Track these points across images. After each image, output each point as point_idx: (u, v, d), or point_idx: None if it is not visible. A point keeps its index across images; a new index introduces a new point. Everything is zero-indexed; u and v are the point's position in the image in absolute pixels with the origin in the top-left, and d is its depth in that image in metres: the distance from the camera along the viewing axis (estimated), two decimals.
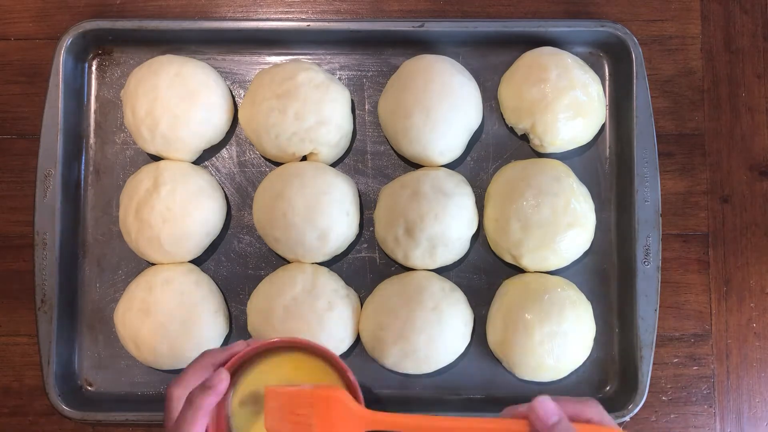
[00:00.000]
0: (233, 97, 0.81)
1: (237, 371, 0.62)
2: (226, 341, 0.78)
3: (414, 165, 0.79)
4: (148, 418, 0.75)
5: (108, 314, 0.78)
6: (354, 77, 0.81)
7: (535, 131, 0.77)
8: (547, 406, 0.51)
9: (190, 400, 0.58)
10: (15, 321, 0.79)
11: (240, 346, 0.62)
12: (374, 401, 0.77)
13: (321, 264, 0.77)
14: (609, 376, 0.78)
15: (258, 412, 0.62)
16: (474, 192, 0.78)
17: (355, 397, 0.60)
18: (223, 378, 0.59)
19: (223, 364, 0.61)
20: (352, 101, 0.80)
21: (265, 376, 0.63)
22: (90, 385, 0.78)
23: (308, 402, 0.58)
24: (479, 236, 0.79)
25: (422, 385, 0.78)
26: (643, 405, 0.75)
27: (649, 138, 0.77)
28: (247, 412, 0.63)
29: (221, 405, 0.61)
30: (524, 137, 0.80)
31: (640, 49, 0.78)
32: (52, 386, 0.75)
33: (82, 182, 0.80)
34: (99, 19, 0.79)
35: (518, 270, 0.78)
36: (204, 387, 0.58)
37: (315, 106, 0.75)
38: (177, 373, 0.77)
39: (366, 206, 0.79)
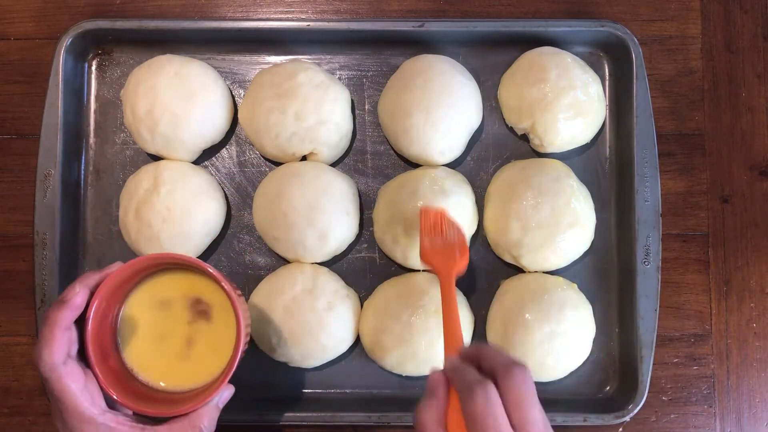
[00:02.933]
0: (233, 97, 0.80)
1: (122, 293, 0.63)
2: None
3: (414, 165, 0.79)
4: None
5: None
6: (354, 77, 0.81)
7: (535, 131, 0.77)
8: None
9: (46, 317, 0.57)
10: (15, 321, 0.79)
11: (115, 266, 0.61)
12: (374, 401, 0.77)
13: (321, 264, 0.77)
14: (609, 376, 0.78)
15: (141, 331, 0.64)
16: (474, 192, 0.78)
17: (233, 306, 0.61)
18: (78, 291, 0.58)
19: (97, 286, 0.60)
20: (352, 101, 0.80)
21: (148, 293, 0.64)
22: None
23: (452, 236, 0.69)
24: (479, 236, 0.79)
25: (422, 386, 0.77)
26: (643, 405, 0.75)
27: (649, 138, 0.77)
28: (132, 328, 0.63)
29: (105, 326, 0.62)
30: (524, 137, 0.80)
31: (640, 49, 0.78)
32: None
33: (82, 182, 0.80)
34: (99, 19, 0.79)
35: (518, 270, 0.78)
36: (59, 302, 0.57)
37: (315, 106, 0.75)
38: None
39: (366, 206, 0.79)
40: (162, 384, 0.63)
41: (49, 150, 0.77)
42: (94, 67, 0.82)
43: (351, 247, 0.79)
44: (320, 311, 0.74)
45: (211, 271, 0.61)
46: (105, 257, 0.79)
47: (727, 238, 0.80)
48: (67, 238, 0.77)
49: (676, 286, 0.80)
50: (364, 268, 0.79)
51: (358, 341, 0.77)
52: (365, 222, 0.79)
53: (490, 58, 0.81)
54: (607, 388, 0.78)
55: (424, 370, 0.75)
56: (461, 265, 0.68)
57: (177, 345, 0.64)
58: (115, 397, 0.59)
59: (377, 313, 0.75)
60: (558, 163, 0.78)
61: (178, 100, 0.75)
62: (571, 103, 0.76)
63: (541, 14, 0.82)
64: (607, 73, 0.81)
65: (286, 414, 0.75)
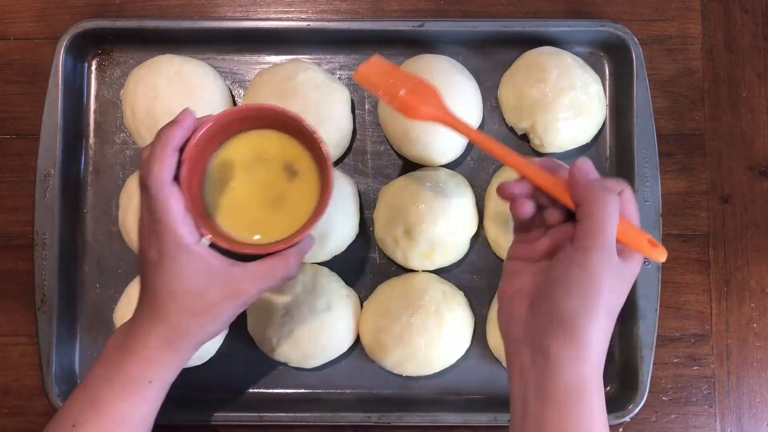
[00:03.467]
0: (233, 97, 0.80)
1: (216, 143, 0.63)
2: (226, 341, 0.78)
3: (414, 165, 0.79)
4: None
5: (108, 314, 0.78)
6: None
7: (535, 131, 0.77)
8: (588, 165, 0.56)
9: (158, 135, 0.57)
10: (15, 321, 0.79)
11: (205, 118, 0.61)
12: (374, 401, 0.77)
13: (321, 264, 0.77)
14: (609, 376, 0.78)
15: (230, 180, 0.64)
16: (474, 192, 0.78)
17: (324, 167, 0.62)
18: (189, 114, 0.58)
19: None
20: (352, 101, 0.80)
21: (237, 148, 0.64)
22: None
23: (406, 79, 0.64)
24: (479, 236, 0.79)
25: (422, 386, 0.78)
26: (643, 405, 0.75)
27: (649, 138, 0.77)
28: (220, 185, 0.63)
29: (198, 171, 0.62)
30: (524, 137, 0.80)
31: (641, 49, 0.78)
32: (52, 386, 0.75)
33: (82, 182, 0.80)
34: (99, 19, 0.79)
35: None
36: (171, 123, 0.57)
37: (315, 106, 0.75)
38: None
39: (366, 206, 0.79)
40: (246, 233, 0.63)
41: (49, 150, 0.77)
42: (94, 67, 0.82)
43: (351, 247, 0.79)
44: (320, 311, 0.74)
45: (308, 127, 0.61)
46: (105, 257, 0.79)
47: (727, 238, 0.80)
48: (66, 238, 0.77)
49: (676, 286, 0.80)
50: (364, 268, 0.79)
51: (358, 341, 0.77)
52: (365, 222, 0.79)
53: (490, 58, 0.81)
54: (607, 388, 0.78)
55: (424, 371, 0.75)
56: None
57: (267, 197, 0.64)
58: (207, 234, 0.59)
59: (377, 313, 0.75)
60: None
61: (178, 100, 0.75)
62: (571, 103, 0.76)
63: (541, 14, 0.82)
64: (607, 73, 0.81)
65: (286, 414, 0.75)
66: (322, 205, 0.61)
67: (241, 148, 0.64)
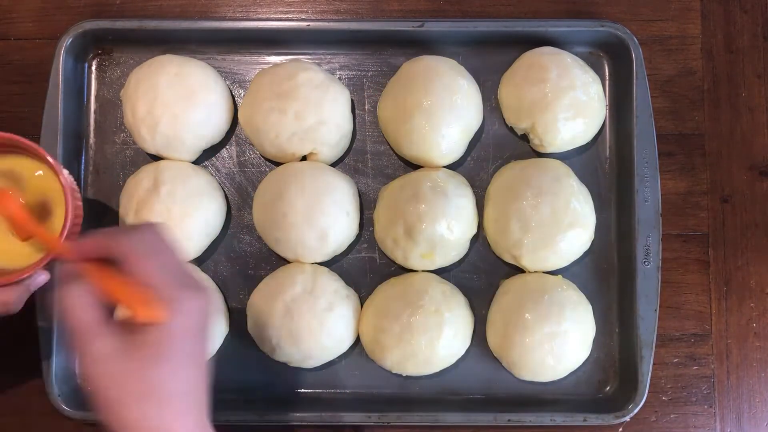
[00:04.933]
0: (233, 97, 0.80)
1: None
2: (226, 341, 0.78)
3: (414, 165, 0.79)
4: None
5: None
6: (354, 77, 0.81)
7: (535, 131, 0.77)
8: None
9: None
10: (15, 321, 0.79)
11: None
12: (374, 401, 0.77)
13: (321, 264, 0.77)
14: (609, 376, 0.78)
15: None
16: (474, 192, 0.78)
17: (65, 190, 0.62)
18: None
19: None
20: (352, 101, 0.80)
21: None
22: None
23: None
24: (479, 236, 0.79)
25: (422, 386, 0.78)
26: (643, 405, 0.75)
27: (649, 138, 0.77)
28: None
29: None
30: (524, 137, 0.80)
31: (640, 49, 0.78)
32: (52, 386, 0.75)
33: (82, 182, 0.80)
34: (99, 19, 0.79)
35: (518, 270, 0.78)
36: None
37: (315, 107, 0.75)
38: None
39: (366, 206, 0.79)
40: None
41: (49, 150, 0.76)
42: (94, 67, 0.82)
43: (351, 247, 0.79)
44: (320, 311, 0.74)
45: (49, 159, 0.62)
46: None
47: (727, 238, 0.80)
48: None
49: (676, 286, 0.80)
50: (364, 268, 0.79)
51: (358, 341, 0.77)
52: (365, 222, 0.79)
53: (490, 58, 0.81)
54: (607, 388, 0.78)
55: (424, 370, 0.75)
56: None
57: (8, 226, 0.65)
58: None
59: (377, 313, 0.75)
60: (558, 163, 0.78)
61: (178, 100, 0.75)
62: (571, 103, 0.76)
63: (541, 14, 0.82)
64: (607, 73, 0.81)
65: (286, 414, 0.75)
66: (52, 241, 0.60)
67: None
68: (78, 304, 0.50)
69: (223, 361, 0.78)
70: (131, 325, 0.50)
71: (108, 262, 0.51)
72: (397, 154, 0.80)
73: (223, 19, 0.82)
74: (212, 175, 0.80)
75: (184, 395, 0.51)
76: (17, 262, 0.64)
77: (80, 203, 0.65)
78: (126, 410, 0.49)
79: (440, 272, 0.78)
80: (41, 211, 0.66)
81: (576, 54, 0.79)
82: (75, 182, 0.66)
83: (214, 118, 0.77)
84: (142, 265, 0.50)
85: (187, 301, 0.50)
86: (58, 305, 0.53)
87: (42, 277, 0.66)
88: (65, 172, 0.64)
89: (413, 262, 0.76)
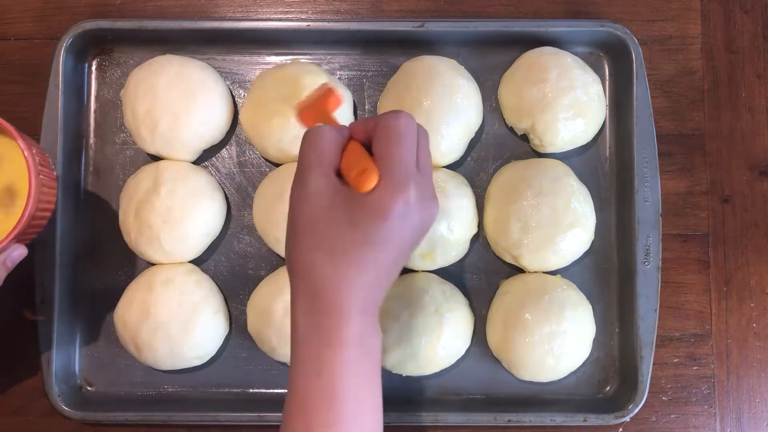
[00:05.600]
0: (233, 97, 0.80)
1: None
2: (226, 341, 0.78)
3: None
4: (147, 418, 0.75)
5: (108, 314, 0.78)
6: (354, 77, 0.81)
7: (535, 131, 0.77)
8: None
9: None
10: (15, 321, 0.79)
11: None
12: None
13: None
14: (609, 376, 0.78)
15: None
16: (474, 192, 0.78)
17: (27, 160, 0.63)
18: None
19: None
20: (353, 101, 0.80)
21: None
22: (90, 386, 0.78)
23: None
24: (479, 236, 0.79)
25: (422, 386, 0.78)
26: (643, 405, 0.75)
27: (649, 138, 0.77)
28: None
29: None
30: (524, 137, 0.80)
31: (640, 49, 0.78)
32: (52, 386, 0.75)
33: (82, 182, 0.80)
34: (99, 19, 0.79)
35: (518, 270, 0.78)
36: None
37: None
38: (177, 373, 0.77)
39: None
40: None
41: (49, 150, 0.76)
42: (94, 67, 0.82)
43: None
44: None
45: (13, 132, 0.63)
46: (105, 257, 0.79)
47: (727, 238, 0.80)
48: (67, 238, 0.77)
49: (676, 286, 0.80)
50: None
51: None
52: None
53: (490, 58, 0.81)
54: (607, 388, 0.78)
55: (424, 370, 0.75)
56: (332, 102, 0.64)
57: None
58: None
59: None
60: (558, 163, 0.78)
61: (178, 100, 0.75)
62: (571, 103, 0.76)
63: (541, 14, 0.82)
64: (607, 73, 0.81)
65: None
66: (22, 214, 0.61)
67: None
68: (327, 137, 0.53)
69: (223, 361, 0.78)
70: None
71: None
72: None
73: (223, 19, 0.82)
74: (212, 175, 0.80)
75: (376, 263, 0.53)
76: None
77: (53, 180, 0.65)
78: (312, 250, 0.53)
79: (440, 272, 0.78)
80: (9, 191, 0.65)
81: (576, 54, 0.79)
82: (48, 158, 0.65)
83: (214, 118, 0.77)
84: (388, 147, 0.53)
85: (415, 189, 0.52)
86: (307, 133, 0.55)
87: (18, 252, 0.64)
88: (35, 149, 0.63)
89: (413, 262, 0.76)
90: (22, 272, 0.78)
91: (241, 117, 0.79)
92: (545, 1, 0.82)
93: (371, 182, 0.52)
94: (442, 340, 0.73)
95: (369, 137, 0.55)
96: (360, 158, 0.54)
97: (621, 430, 0.78)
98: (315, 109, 0.62)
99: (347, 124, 0.58)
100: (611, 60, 0.81)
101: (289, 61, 0.81)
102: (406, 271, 0.78)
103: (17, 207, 0.65)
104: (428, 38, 0.80)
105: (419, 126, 0.56)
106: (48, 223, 0.76)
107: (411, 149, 0.54)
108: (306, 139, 0.55)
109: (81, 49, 0.80)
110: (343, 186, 0.53)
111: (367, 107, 0.81)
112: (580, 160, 0.80)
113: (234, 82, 0.81)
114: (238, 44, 0.81)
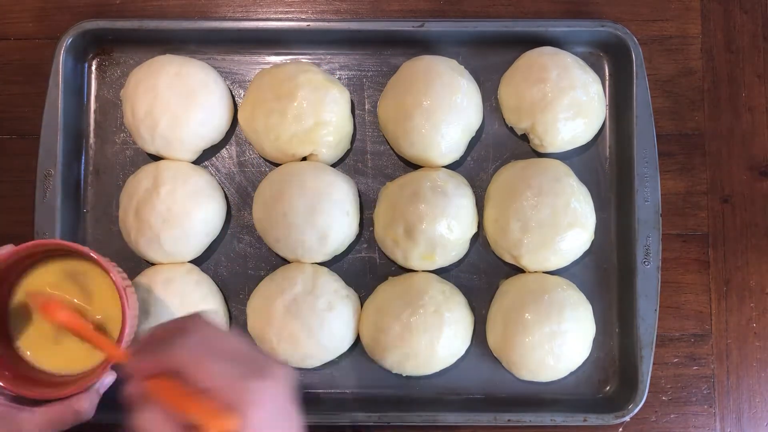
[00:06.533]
0: (233, 97, 0.80)
1: (13, 277, 0.66)
2: None
3: (414, 165, 0.79)
4: None
5: None
6: (354, 77, 0.81)
7: (535, 131, 0.77)
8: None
9: None
10: None
11: (6, 249, 0.62)
12: (374, 401, 0.77)
13: (321, 264, 0.77)
14: (609, 376, 0.78)
15: (30, 315, 0.66)
16: (474, 192, 0.78)
17: (121, 296, 0.63)
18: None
19: None
20: (352, 101, 0.80)
21: (39, 279, 0.67)
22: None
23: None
24: (479, 236, 0.79)
25: (422, 386, 0.78)
26: (643, 405, 0.75)
27: (649, 138, 0.77)
28: (24, 312, 0.66)
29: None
30: (524, 137, 0.80)
31: (640, 49, 0.78)
32: None
33: (82, 182, 0.80)
34: (99, 19, 0.79)
35: (518, 270, 0.78)
36: None
37: (314, 108, 0.75)
38: None
39: (366, 206, 0.79)
40: (46, 366, 0.65)
41: (49, 150, 0.77)
42: (94, 67, 0.82)
43: (351, 247, 0.79)
44: (320, 311, 0.74)
45: (100, 261, 0.63)
46: (105, 257, 0.79)
47: (727, 238, 0.80)
48: (67, 238, 0.77)
49: (676, 286, 0.80)
50: (364, 268, 0.79)
51: (358, 341, 0.77)
52: (365, 222, 0.79)
53: (490, 58, 0.81)
54: (607, 388, 0.78)
55: (424, 370, 0.75)
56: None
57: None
58: None
59: (377, 312, 0.75)
60: (558, 163, 0.78)
61: (178, 100, 0.75)
62: (571, 103, 0.76)
63: (541, 14, 0.82)
64: (607, 73, 0.81)
65: None
66: (118, 341, 0.62)
67: (36, 280, 0.66)
68: (156, 430, 0.49)
69: None
70: None
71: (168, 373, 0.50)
72: (397, 154, 0.80)
73: (223, 19, 0.82)
74: (212, 175, 0.80)
75: None
76: (76, 366, 0.65)
77: (136, 301, 0.67)
78: None
79: (440, 272, 0.78)
80: (100, 325, 0.66)
81: (576, 54, 0.79)
82: (128, 281, 0.66)
83: (214, 118, 0.77)
84: (201, 372, 0.49)
85: (258, 392, 0.49)
86: None
87: (109, 378, 0.64)
88: (116, 270, 0.64)
89: (413, 263, 0.76)
90: None
91: (240, 116, 0.79)
92: (545, 1, 0.82)
93: (232, 423, 0.48)
94: (441, 340, 0.73)
95: (164, 370, 0.50)
96: (197, 404, 0.49)
97: (621, 430, 0.78)
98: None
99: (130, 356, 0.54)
100: (611, 60, 0.81)
101: (288, 61, 0.81)
102: (406, 271, 0.78)
103: (108, 334, 0.66)
104: (428, 38, 0.80)
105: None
106: (48, 223, 0.76)
107: (214, 360, 0.49)
108: None
109: (81, 49, 0.80)
110: None
111: (367, 107, 0.81)
112: (580, 160, 0.80)
113: (234, 82, 0.81)
114: (238, 44, 0.81)
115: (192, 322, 0.53)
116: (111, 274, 0.63)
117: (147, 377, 0.50)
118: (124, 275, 0.67)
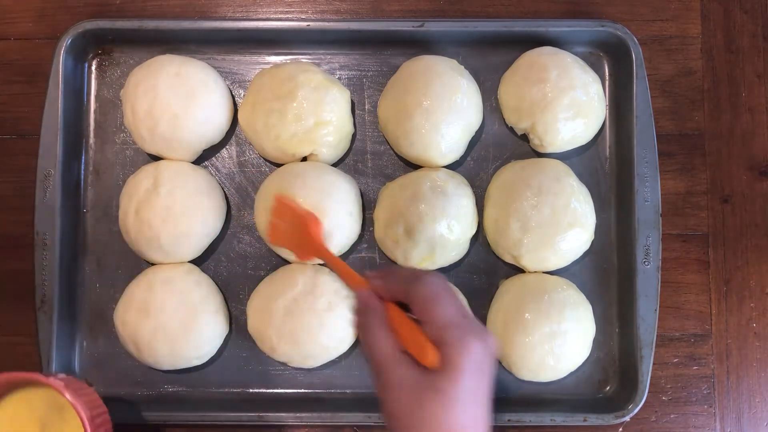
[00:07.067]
0: (233, 97, 0.80)
1: None
2: (226, 341, 0.78)
3: (414, 165, 0.79)
4: (147, 418, 0.75)
5: (108, 314, 0.78)
6: (354, 77, 0.81)
7: (535, 131, 0.77)
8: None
9: None
10: (15, 321, 0.79)
11: None
12: (374, 401, 0.77)
13: (321, 264, 0.77)
14: (609, 376, 0.78)
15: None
16: (474, 192, 0.78)
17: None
18: None
19: None
20: (352, 101, 0.80)
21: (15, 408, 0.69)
22: (90, 385, 0.78)
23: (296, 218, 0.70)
24: (479, 236, 0.79)
25: None
26: (643, 405, 0.75)
27: (649, 138, 0.77)
28: None
29: None
30: (524, 137, 0.80)
31: (640, 49, 0.78)
32: None
33: (82, 182, 0.80)
34: (99, 19, 0.79)
35: (518, 270, 0.78)
36: None
37: (314, 108, 0.75)
38: (177, 373, 0.77)
39: (366, 206, 0.79)
40: None
41: (49, 150, 0.77)
42: (94, 67, 0.82)
43: (351, 248, 0.79)
44: (320, 311, 0.74)
45: (66, 395, 0.66)
46: (105, 257, 0.79)
47: (727, 238, 0.80)
48: (67, 238, 0.77)
49: (676, 286, 0.80)
50: (364, 268, 0.79)
51: (358, 341, 0.77)
52: (365, 222, 0.79)
53: (490, 58, 0.81)
54: (607, 388, 0.78)
55: None
56: (316, 230, 0.69)
57: None
58: None
59: None
60: (558, 163, 0.78)
61: (178, 100, 0.75)
62: (571, 103, 0.76)
63: (541, 14, 0.82)
64: (607, 73, 0.81)
65: (286, 414, 0.75)
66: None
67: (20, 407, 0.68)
68: (379, 335, 0.55)
69: (223, 361, 0.78)
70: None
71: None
72: (397, 154, 0.80)
73: (223, 19, 0.82)
74: (212, 175, 0.80)
75: (466, 429, 0.54)
76: None
77: (98, 401, 0.69)
78: None
79: (440, 272, 0.78)
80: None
81: (576, 54, 0.79)
82: (102, 407, 0.69)
83: (214, 118, 0.77)
84: (436, 309, 0.54)
85: (472, 344, 0.53)
86: (359, 333, 0.58)
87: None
88: (60, 380, 0.67)
89: (413, 263, 0.76)
90: (22, 272, 0.79)
91: (240, 116, 0.79)
92: (545, 1, 0.82)
93: (434, 359, 0.53)
94: None
95: (396, 297, 0.57)
96: (412, 334, 0.55)
97: (621, 430, 0.78)
98: (306, 243, 0.67)
99: (370, 279, 0.60)
100: (611, 60, 0.81)
101: (288, 61, 0.81)
102: None
103: None
104: (428, 38, 0.80)
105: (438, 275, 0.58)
106: (48, 223, 0.76)
107: (450, 304, 0.55)
108: (364, 338, 0.57)
109: (81, 49, 0.80)
110: (413, 369, 0.54)
111: (367, 107, 0.81)
112: (580, 160, 0.80)
113: (234, 82, 0.81)
114: (238, 44, 0.81)
115: (430, 275, 0.57)
116: (76, 408, 0.66)
117: (380, 296, 0.58)
118: (98, 402, 0.69)
